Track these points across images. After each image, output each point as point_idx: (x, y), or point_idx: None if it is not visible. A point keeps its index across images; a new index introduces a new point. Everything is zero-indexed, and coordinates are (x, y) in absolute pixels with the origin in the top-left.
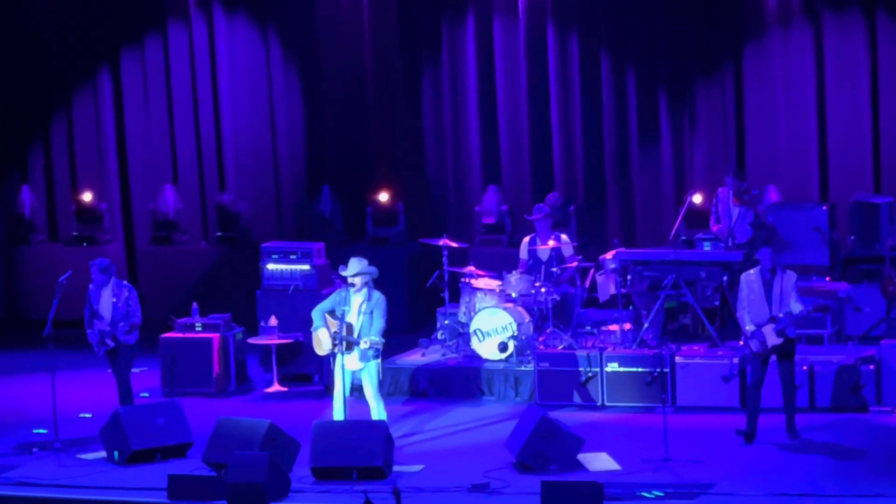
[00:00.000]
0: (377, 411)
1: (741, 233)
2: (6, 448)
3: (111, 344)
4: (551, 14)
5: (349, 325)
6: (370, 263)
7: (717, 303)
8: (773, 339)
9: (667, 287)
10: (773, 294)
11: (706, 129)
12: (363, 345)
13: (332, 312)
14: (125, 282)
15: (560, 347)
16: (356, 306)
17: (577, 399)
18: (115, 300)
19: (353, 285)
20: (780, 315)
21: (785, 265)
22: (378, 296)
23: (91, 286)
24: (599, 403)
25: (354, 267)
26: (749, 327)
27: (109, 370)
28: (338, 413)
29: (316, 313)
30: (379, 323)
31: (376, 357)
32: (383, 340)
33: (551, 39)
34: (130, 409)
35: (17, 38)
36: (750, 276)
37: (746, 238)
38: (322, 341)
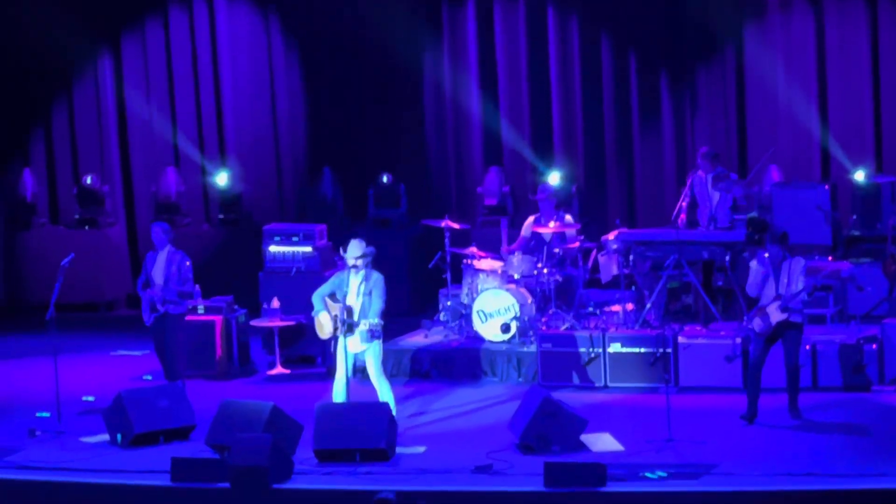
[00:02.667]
0: (383, 392)
1: (723, 216)
2: (9, 431)
3: (161, 309)
4: None
5: (349, 308)
6: (369, 244)
7: (720, 283)
8: (777, 316)
9: (669, 267)
10: (781, 277)
11: (707, 111)
12: (362, 326)
13: (332, 296)
14: (179, 252)
15: (563, 328)
16: (355, 288)
17: (579, 380)
18: (168, 266)
19: (354, 267)
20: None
21: (793, 248)
22: (376, 276)
23: (149, 253)
24: (602, 384)
25: (356, 249)
26: (756, 305)
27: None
28: (338, 395)
29: (316, 298)
30: (378, 304)
31: (378, 338)
32: (381, 322)
33: (552, 21)
34: (133, 391)
35: (17, 23)
36: (758, 259)
37: (728, 221)
38: (324, 325)
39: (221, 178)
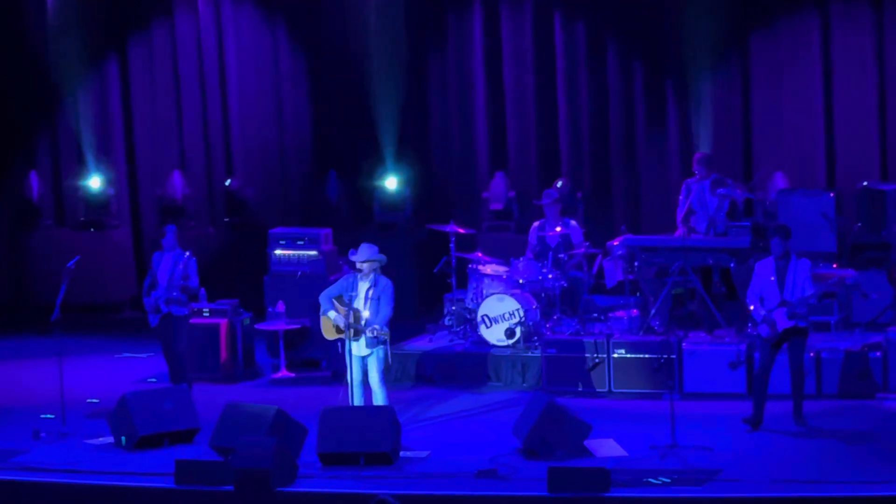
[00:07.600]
0: (378, 399)
1: (720, 222)
2: (13, 433)
3: (165, 309)
4: (558, 1)
5: (357, 312)
6: (380, 251)
7: (724, 289)
8: (783, 323)
9: (674, 273)
10: (787, 281)
11: (713, 117)
12: (369, 334)
13: (339, 298)
14: (187, 251)
15: (567, 334)
16: (363, 292)
17: (583, 385)
18: (173, 266)
19: (360, 271)
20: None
21: (799, 252)
22: (385, 282)
23: (156, 254)
24: (606, 390)
25: (364, 253)
26: (760, 312)
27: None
28: (357, 399)
29: (324, 298)
30: (385, 311)
31: (383, 344)
32: (387, 331)
33: (558, 26)
34: (138, 394)
35: (24, 24)
36: (763, 264)
37: (724, 227)
38: (330, 326)
39: (226, 182)
